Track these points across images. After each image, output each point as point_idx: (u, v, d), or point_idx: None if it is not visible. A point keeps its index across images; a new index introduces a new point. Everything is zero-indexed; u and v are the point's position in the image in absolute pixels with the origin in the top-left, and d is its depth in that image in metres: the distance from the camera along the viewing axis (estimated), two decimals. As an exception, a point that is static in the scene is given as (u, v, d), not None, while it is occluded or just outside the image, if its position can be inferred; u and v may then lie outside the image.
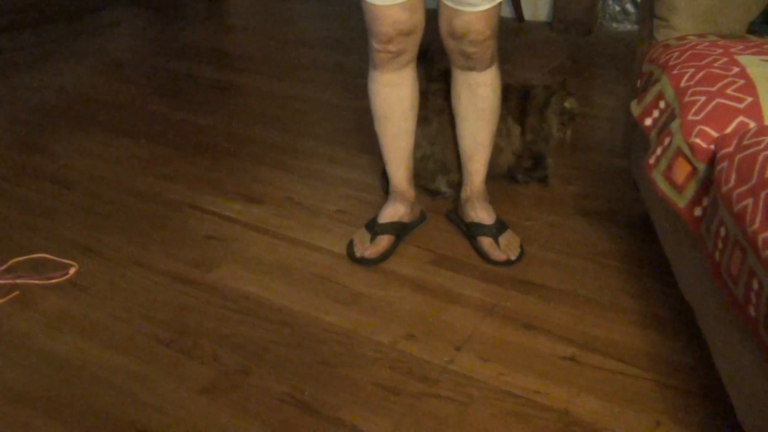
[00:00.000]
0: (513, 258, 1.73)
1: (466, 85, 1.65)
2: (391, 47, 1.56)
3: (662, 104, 1.41)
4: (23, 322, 1.56)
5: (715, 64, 1.36)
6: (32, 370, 1.42)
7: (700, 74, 1.35)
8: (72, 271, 1.72)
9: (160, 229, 1.91)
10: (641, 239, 1.81)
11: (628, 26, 3.53)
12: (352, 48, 3.35)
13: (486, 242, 1.75)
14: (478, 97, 1.66)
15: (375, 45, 1.57)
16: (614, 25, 3.57)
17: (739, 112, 1.22)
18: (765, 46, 1.43)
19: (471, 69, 1.62)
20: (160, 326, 1.54)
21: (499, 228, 1.77)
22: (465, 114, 1.70)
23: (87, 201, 2.05)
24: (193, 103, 2.77)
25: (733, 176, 1.08)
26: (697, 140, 1.22)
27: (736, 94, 1.25)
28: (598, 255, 1.76)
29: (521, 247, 1.77)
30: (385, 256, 1.75)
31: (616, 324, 1.53)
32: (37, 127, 2.56)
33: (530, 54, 3.27)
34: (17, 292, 1.64)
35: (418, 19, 1.55)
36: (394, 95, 1.67)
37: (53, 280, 1.68)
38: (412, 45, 1.59)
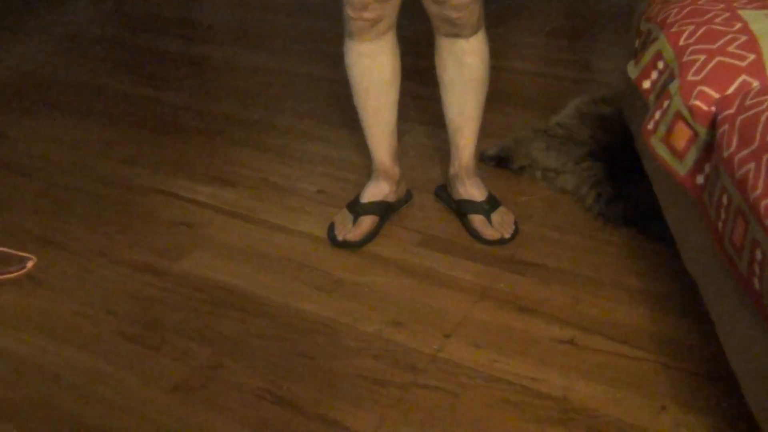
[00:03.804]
0: (507, 236, 1.73)
1: (452, 54, 1.64)
2: (367, 14, 1.55)
3: (660, 65, 1.41)
4: (-23, 321, 1.56)
5: (716, 20, 1.36)
6: (-12, 372, 1.43)
7: (701, 31, 1.35)
8: (30, 264, 1.72)
9: (125, 216, 1.90)
10: (644, 212, 1.82)
11: (630, -17, 3.52)
12: (326, 12, 3.33)
13: (477, 220, 1.75)
14: (465, 67, 1.65)
15: (349, 12, 1.56)
16: (615, -18, 3.56)
17: (741, 70, 1.22)
18: (770, -1, 1.43)
19: (456, 36, 1.61)
20: (126, 321, 1.54)
21: (491, 204, 1.77)
22: (451, 85, 1.69)
23: (45, 188, 2.04)
24: (159, 79, 2.76)
25: (735, 140, 1.09)
26: (697, 102, 1.23)
27: (738, 52, 1.25)
28: (597, 231, 1.77)
29: (515, 224, 1.77)
30: (368, 238, 1.75)
31: (618, 304, 1.54)
32: (-12, 110, 2.55)
33: (526, 16, 3.26)
34: (-30, 289, 1.65)
35: (396, -18, 1.54)
36: (373, 66, 1.66)
37: (9, 275, 1.68)
38: (390, 11, 1.58)
